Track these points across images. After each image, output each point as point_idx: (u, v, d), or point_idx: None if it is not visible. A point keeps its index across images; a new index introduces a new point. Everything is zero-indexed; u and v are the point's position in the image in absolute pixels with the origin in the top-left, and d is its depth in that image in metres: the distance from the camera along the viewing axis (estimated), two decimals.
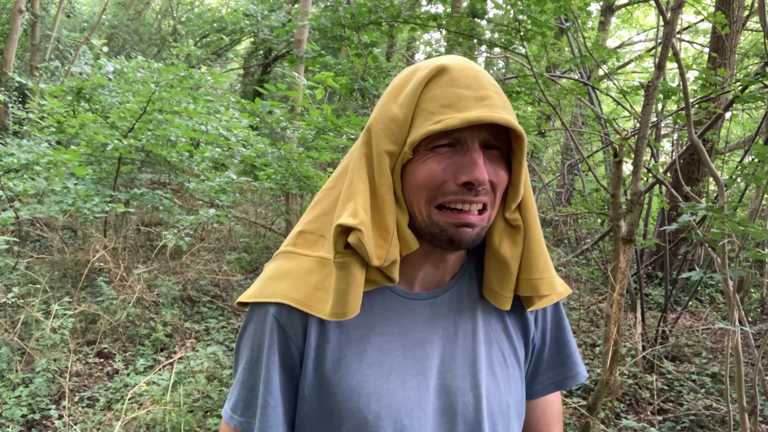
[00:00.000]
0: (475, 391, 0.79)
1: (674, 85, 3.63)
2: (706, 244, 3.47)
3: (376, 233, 0.72)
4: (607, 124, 4.26)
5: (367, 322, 0.78)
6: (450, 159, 0.72)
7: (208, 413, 3.14)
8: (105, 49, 6.20)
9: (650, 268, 6.84)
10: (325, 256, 0.77)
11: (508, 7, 3.56)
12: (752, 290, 6.51)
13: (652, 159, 4.73)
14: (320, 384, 0.76)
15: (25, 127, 8.43)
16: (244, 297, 0.80)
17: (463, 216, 0.73)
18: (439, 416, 0.77)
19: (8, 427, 2.92)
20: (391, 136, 0.73)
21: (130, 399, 3.10)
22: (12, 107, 9.81)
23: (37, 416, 3.08)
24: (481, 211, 0.74)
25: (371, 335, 0.77)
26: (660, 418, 3.58)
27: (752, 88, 3.36)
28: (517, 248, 0.80)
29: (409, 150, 0.72)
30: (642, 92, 3.40)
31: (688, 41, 10.13)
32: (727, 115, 6.67)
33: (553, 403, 0.96)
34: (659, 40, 4.08)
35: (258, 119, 5.52)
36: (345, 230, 0.70)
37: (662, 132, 6.40)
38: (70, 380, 3.43)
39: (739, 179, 4.01)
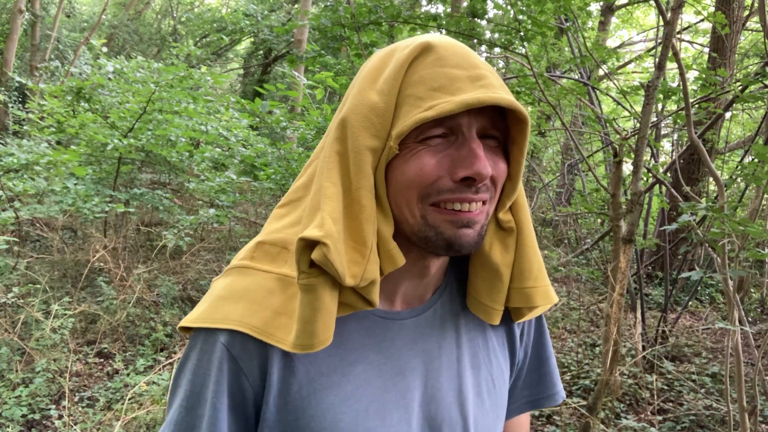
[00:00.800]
0: (464, 423, 0.70)
1: (674, 85, 3.63)
2: (706, 244, 3.47)
3: (350, 247, 0.60)
4: (607, 124, 4.26)
5: (340, 349, 0.65)
6: (444, 151, 0.61)
7: None
8: (104, 49, 6.20)
9: (650, 268, 6.85)
10: (289, 274, 0.64)
11: (508, 7, 3.56)
12: (752, 290, 6.51)
13: (652, 159, 4.73)
14: (286, 423, 0.63)
15: (25, 127, 8.44)
16: (188, 321, 0.65)
17: (464, 214, 0.62)
18: None
19: (8, 427, 2.92)
20: (372, 129, 0.61)
21: (130, 399, 3.10)
22: (12, 107, 9.82)
23: (37, 416, 3.08)
24: (481, 208, 0.64)
25: (345, 365, 0.65)
26: (660, 418, 3.58)
27: (752, 88, 3.36)
28: (509, 253, 0.69)
29: (396, 144, 0.60)
30: (642, 92, 3.40)
31: (688, 41, 10.13)
32: (727, 115, 6.67)
33: (525, 423, 0.89)
34: (659, 40, 4.08)
35: (258, 119, 5.52)
36: (309, 245, 0.57)
37: (662, 132, 6.40)
38: (70, 380, 3.43)
39: (739, 179, 4.01)
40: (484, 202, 0.64)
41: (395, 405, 0.67)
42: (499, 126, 0.65)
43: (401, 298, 0.71)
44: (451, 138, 0.62)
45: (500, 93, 0.61)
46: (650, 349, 4.34)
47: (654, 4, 3.57)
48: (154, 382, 3.30)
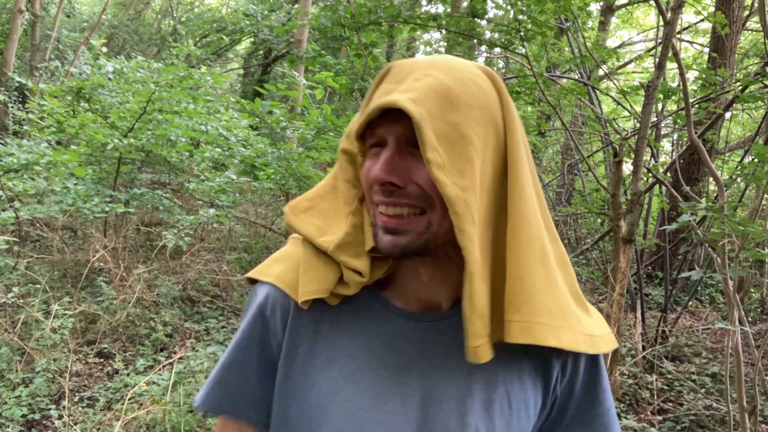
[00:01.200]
0: (460, 431, 0.69)
1: (674, 85, 3.63)
2: (706, 244, 3.47)
3: (330, 221, 0.73)
4: (607, 124, 4.26)
5: (351, 332, 0.72)
6: (376, 159, 0.67)
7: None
8: (104, 49, 6.20)
9: (650, 268, 6.85)
10: (323, 246, 0.73)
11: (508, 7, 3.56)
12: (752, 290, 6.51)
13: (652, 159, 4.73)
14: (292, 383, 0.72)
15: (25, 127, 8.44)
16: (251, 273, 0.80)
17: (387, 220, 0.66)
18: None
19: (8, 427, 2.92)
20: (347, 134, 0.75)
21: (130, 399, 3.10)
22: (12, 107, 9.82)
23: (37, 416, 3.08)
24: (410, 216, 0.65)
25: (353, 347, 0.71)
26: (660, 418, 3.58)
27: (752, 88, 3.36)
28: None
29: (354, 147, 0.72)
30: (642, 92, 3.40)
31: (688, 41, 10.13)
32: (727, 115, 6.67)
33: None
34: (659, 40, 4.08)
35: (258, 119, 5.52)
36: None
37: (662, 132, 6.40)
38: (70, 380, 3.43)
39: (739, 179, 4.01)
40: (410, 213, 0.65)
41: (391, 395, 0.69)
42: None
43: (415, 300, 0.73)
44: (383, 146, 0.67)
45: (393, 97, 0.62)
46: (650, 349, 4.34)
47: (654, 4, 3.57)
48: (154, 382, 3.30)
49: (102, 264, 4.63)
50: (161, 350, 4.05)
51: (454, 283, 0.71)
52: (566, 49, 6.12)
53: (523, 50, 3.73)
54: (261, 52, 14.86)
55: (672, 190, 3.59)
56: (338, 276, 0.70)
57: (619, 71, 10.08)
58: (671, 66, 6.07)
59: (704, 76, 3.43)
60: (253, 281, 0.80)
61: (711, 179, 6.14)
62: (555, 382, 0.76)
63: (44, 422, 3.07)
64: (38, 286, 4.16)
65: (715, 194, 5.94)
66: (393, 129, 0.65)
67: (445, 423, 0.69)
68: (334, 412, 0.68)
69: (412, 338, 0.71)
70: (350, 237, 0.70)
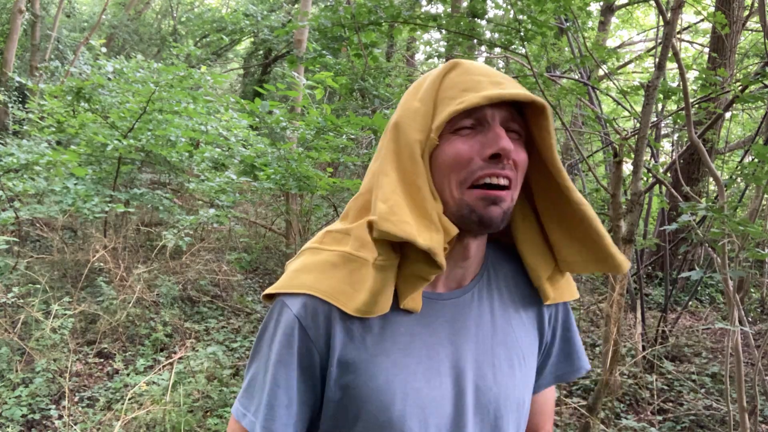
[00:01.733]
0: (496, 390, 0.80)
1: (674, 85, 3.63)
2: (706, 244, 3.47)
3: (417, 220, 0.72)
4: (607, 124, 4.26)
5: (392, 322, 0.77)
6: (474, 138, 0.74)
7: (208, 413, 3.14)
8: (104, 49, 6.20)
9: (650, 268, 6.85)
10: (351, 252, 0.76)
11: (508, 7, 3.56)
12: (752, 290, 6.51)
13: (652, 159, 4.73)
14: (347, 382, 0.75)
15: (25, 127, 8.44)
16: (270, 289, 0.79)
17: (492, 192, 0.74)
18: (461, 415, 0.78)
19: (8, 427, 2.92)
20: (417, 126, 0.75)
21: (130, 399, 3.10)
22: (12, 107, 9.81)
23: (37, 416, 3.08)
24: (505, 188, 0.75)
25: (396, 335, 0.77)
26: (660, 418, 3.58)
27: (752, 88, 3.36)
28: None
29: (436, 135, 0.74)
30: (642, 92, 3.40)
31: (688, 41, 10.13)
32: (727, 115, 6.67)
33: (550, 398, 0.99)
34: (659, 40, 4.08)
35: (258, 119, 5.52)
36: (379, 229, 0.71)
37: (662, 132, 6.40)
38: (70, 380, 3.43)
39: (739, 179, 4.01)
40: (509, 185, 0.75)
41: (437, 371, 0.77)
42: (519, 122, 0.77)
43: (443, 281, 0.82)
44: (478, 128, 0.75)
45: (518, 91, 0.74)
46: (650, 349, 4.34)
47: (654, 4, 3.57)
48: (154, 382, 3.30)
49: (102, 264, 4.63)
50: (161, 350, 4.05)
51: (481, 259, 0.85)
52: (566, 49, 6.12)
53: (523, 50, 3.73)
54: (261, 52, 14.85)
55: (672, 190, 3.59)
56: (393, 283, 0.74)
57: (619, 71, 10.07)
58: (671, 66, 6.07)
59: (704, 76, 3.43)
60: (270, 297, 0.80)
61: (711, 179, 6.14)
62: (545, 329, 0.90)
63: (44, 422, 3.07)
64: (38, 286, 4.16)
65: (715, 194, 5.94)
66: (499, 113, 0.75)
67: (483, 385, 0.80)
68: (393, 398, 0.74)
69: (443, 317, 0.80)
70: (439, 234, 0.73)
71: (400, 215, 0.71)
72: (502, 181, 0.74)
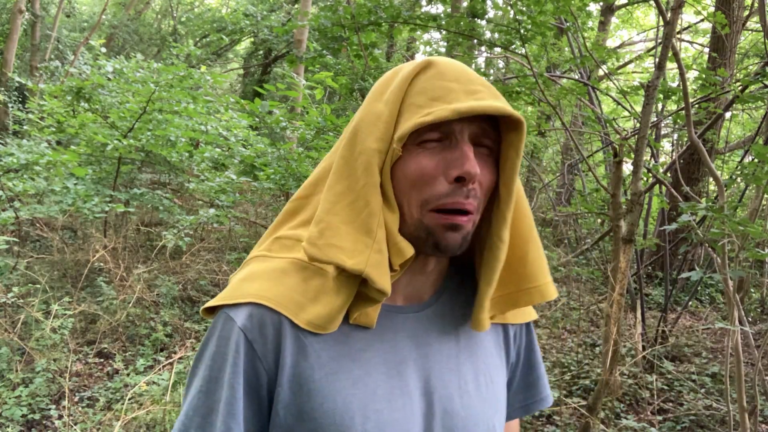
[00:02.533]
0: (464, 414, 0.74)
1: (674, 85, 3.63)
2: (706, 244, 3.47)
3: (353, 238, 0.66)
4: (607, 124, 4.26)
5: (348, 337, 0.70)
6: (440, 154, 0.68)
7: None
8: (104, 49, 6.20)
9: (650, 268, 6.85)
10: (303, 258, 0.70)
11: (508, 7, 3.57)
12: (752, 290, 6.51)
13: (652, 159, 4.73)
14: (299, 404, 0.67)
15: (25, 127, 8.44)
16: (210, 302, 0.70)
17: (453, 218, 0.68)
18: None
19: (8, 427, 2.92)
20: (377, 133, 0.68)
21: (130, 399, 3.10)
22: (12, 107, 9.81)
23: (37, 416, 3.08)
24: (467, 213, 0.69)
25: (354, 351, 0.70)
26: (660, 418, 3.59)
27: (752, 88, 3.36)
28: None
29: (398, 145, 0.67)
30: (642, 92, 3.40)
31: (688, 41, 10.13)
32: (727, 115, 6.67)
33: (515, 428, 0.95)
34: (659, 40, 4.08)
35: (258, 119, 5.52)
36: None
37: (662, 132, 6.40)
38: (70, 380, 3.43)
39: (739, 179, 4.01)
40: (472, 212, 0.69)
41: (400, 391, 0.71)
42: (491, 137, 0.71)
43: (402, 294, 0.76)
44: (445, 142, 0.68)
45: (492, 102, 0.67)
46: (650, 349, 4.34)
47: (654, 4, 3.57)
48: (154, 382, 3.30)
49: (102, 264, 4.64)
50: (161, 350, 4.05)
51: (442, 273, 0.79)
52: (566, 49, 6.12)
53: (523, 50, 3.73)
54: (261, 52, 14.86)
55: (672, 190, 3.59)
56: (349, 298, 0.68)
57: (619, 71, 10.08)
58: (671, 66, 6.07)
59: (704, 76, 3.43)
60: (211, 310, 0.72)
61: (711, 179, 6.14)
62: (511, 348, 0.85)
63: (44, 422, 3.07)
64: (38, 286, 4.16)
65: (715, 194, 5.94)
66: (469, 127, 0.68)
67: (450, 407, 0.73)
68: (352, 421, 0.67)
69: (404, 331, 0.74)
70: (381, 254, 0.66)
71: (328, 238, 0.66)
72: (469, 206, 0.69)
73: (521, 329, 0.87)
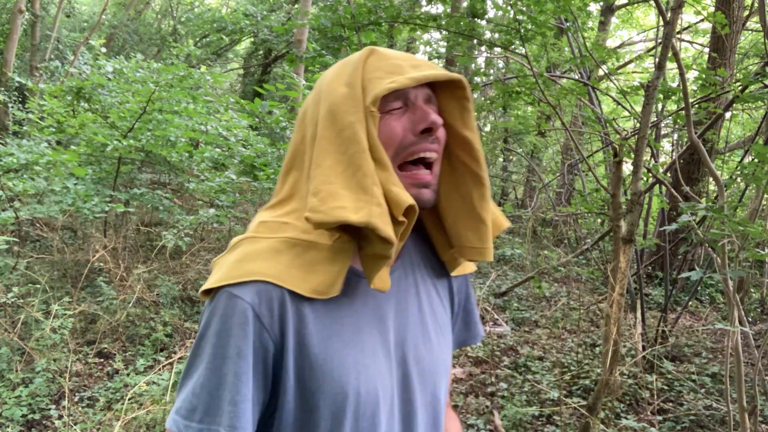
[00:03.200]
0: (430, 359, 0.86)
1: (674, 85, 3.63)
2: (706, 244, 3.47)
3: (352, 198, 0.72)
4: (607, 124, 4.26)
5: (335, 303, 0.78)
6: (405, 116, 0.79)
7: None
8: (103, 50, 6.20)
9: (650, 268, 6.85)
10: (293, 237, 0.76)
11: (508, 7, 3.57)
12: (752, 290, 6.51)
13: (652, 159, 4.73)
14: (302, 367, 0.74)
15: (25, 127, 8.44)
16: (211, 283, 0.73)
17: (421, 176, 0.79)
18: (400, 384, 0.83)
19: (8, 427, 2.92)
20: (351, 108, 0.77)
21: (130, 399, 3.10)
22: (12, 107, 9.81)
23: (37, 416, 3.08)
24: (430, 167, 0.81)
25: (341, 315, 0.78)
26: (660, 418, 3.58)
27: (752, 88, 3.36)
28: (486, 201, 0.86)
29: (376, 108, 0.76)
30: (642, 92, 3.40)
31: (688, 41, 10.13)
32: (727, 115, 6.67)
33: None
34: (659, 40, 4.08)
35: (257, 119, 5.52)
36: (317, 220, 0.71)
37: (662, 132, 6.40)
38: (70, 380, 3.43)
39: (739, 179, 4.01)
40: (435, 160, 0.81)
41: (381, 345, 0.81)
42: (435, 102, 0.84)
43: None
44: (405, 108, 0.80)
45: (438, 71, 0.80)
46: (650, 349, 4.34)
47: (654, 4, 3.57)
48: (154, 382, 3.30)
49: (102, 264, 4.64)
50: (161, 350, 4.05)
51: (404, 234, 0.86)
52: (566, 49, 6.12)
53: (523, 50, 3.73)
54: (261, 52, 14.86)
55: (672, 190, 3.59)
56: (346, 263, 0.75)
57: (619, 71, 10.08)
58: (671, 66, 6.07)
59: (704, 76, 3.43)
60: (208, 292, 0.75)
61: (711, 179, 6.14)
62: (455, 299, 0.99)
63: (44, 422, 3.07)
64: (38, 286, 4.16)
65: (715, 194, 5.94)
66: (422, 92, 0.81)
67: (418, 354, 0.85)
68: (348, 377, 0.75)
69: (379, 295, 0.83)
70: (381, 207, 0.72)
71: (330, 202, 0.71)
72: (433, 155, 0.80)
73: (460, 282, 1.00)
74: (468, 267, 0.96)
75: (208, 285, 0.74)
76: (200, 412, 0.70)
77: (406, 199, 0.74)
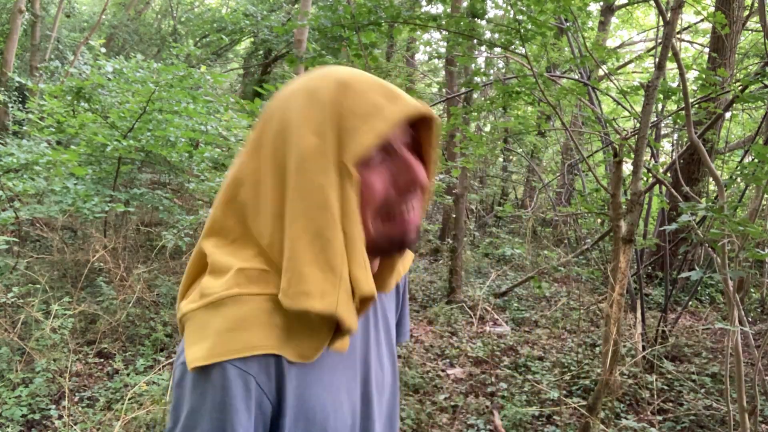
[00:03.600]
0: (382, 372, 0.88)
1: (674, 85, 3.63)
2: (706, 244, 3.47)
3: (320, 279, 0.68)
4: (607, 124, 4.26)
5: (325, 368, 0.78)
6: (384, 167, 0.73)
7: None
8: (103, 50, 6.20)
9: (650, 268, 6.85)
10: (273, 292, 0.71)
11: (508, 7, 3.56)
12: (752, 290, 6.51)
13: (652, 159, 4.73)
14: (297, 419, 0.73)
15: (25, 127, 8.43)
16: (204, 358, 0.66)
17: (409, 222, 0.75)
18: (362, 401, 0.84)
19: (8, 427, 2.92)
20: (319, 166, 0.69)
21: (130, 399, 3.10)
22: (12, 107, 9.81)
23: (37, 416, 3.08)
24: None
25: (322, 361, 0.76)
26: (660, 418, 3.59)
27: (752, 88, 3.36)
28: None
29: (355, 170, 0.69)
30: (642, 92, 3.40)
31: (688, 41, 10.13)
32: (727, 115, 6.67)
33: None
34: (659, 40, 4.08)
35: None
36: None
37: (662, 132, 6.40)
38: (70, 380, 3.43)
39: (739, 179, 4.01)
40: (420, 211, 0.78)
41: (352, 378, 0.81)
42: (410, 133, 0.77)
43: None
44: (384, 157, 0.73)
45: (416, 105, 0.73)
46: (650, 349, 4.34)
47: (654, 4, 3.57)
48: (154, 382, 3.30)
49: (102, 264, 4.64)
50: (161, 350, 4.05)
51: None
52: (566, 49, 6.12)
53: (523, 50, 3.73)
54: (261, 52, 14.85)
55: (672, 190, 3.58)
56: (331, 331, 0.73)
57: (619, 71, 10.07)
58: (671, 66, 6.07)
59: (704, 76, 3.43)
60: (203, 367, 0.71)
61: (711, 179, 6.14)
62: (399, 299, 1.00)
63: (44, 422, 3.07)
64: (38, 286, 4.16)
65: (715, 194, 5.94)
66: (401, 134, 0.74)
67: (376, 376, 0.87)
68: (328, 418, 0.76)
69: (357, 331, 0.83)
70: (347, 294, 0.70)
71: (295, 285, 0.67)
72: (416, 210, 0.76)
73: (403, 280, 1.02)
74: (407, 262, 0.94)
75: (204, 361, 0.66)
76: None
77: (368, 289, 0.71)
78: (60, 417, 3.07)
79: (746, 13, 6.19)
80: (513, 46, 3.86)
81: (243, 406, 0.66)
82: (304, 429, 0.73)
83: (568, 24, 4.29)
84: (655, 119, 4.88)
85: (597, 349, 4.66)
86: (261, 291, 0.70)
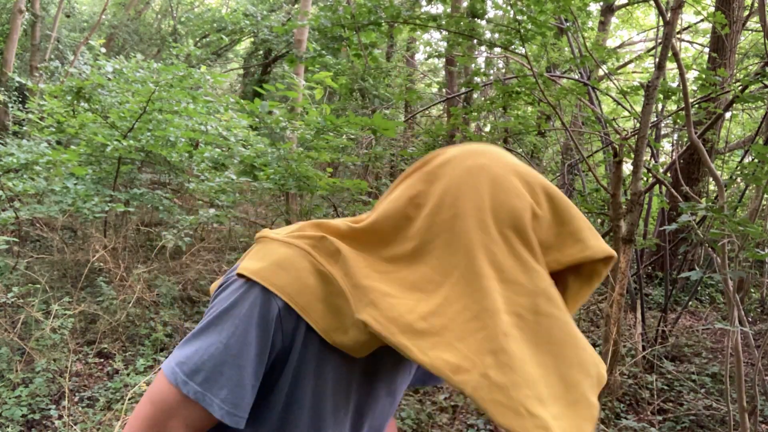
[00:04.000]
0: (374, 404, 0.89)
1: (674, 85, 3.63)
2: (706, 244, 3.47)
3: (461, 348, 0.69)
4: (607, 124, 4.26)
5: (327, 357, 0.80)
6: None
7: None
8: (103, 50, 6.20)
9: (650, 268, 6.85)
10: (334, 274, 0.76)
11: (508, 7, 3.57)
12: (752, 290, 6.51)
13: (652, 159, 4.73)
14: (293, 390, 0.78)
15: (25, 127, 8.44)
16: (251, 272, 0.75)
17: None
18: (354, 411, 0.86)
19: (8, 427, 2.92)
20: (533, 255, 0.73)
21: (130, 399, 3.10)
22: (12, 107, 9.81)
23: (37, 416, 3.08)
24: None
25: (326, 371, 0.80)
26: (660, 418, 3.58)
27: (752, 88, 3.37)
28: None
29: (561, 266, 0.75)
30: (642, 92, 3.40)
31: (688, 41, 10.13)
32: (727, 115, 6.67)
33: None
34: (659, 40, 4.08)
35: (257, 119, 5.52)
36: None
37: (662, 132, 6.40)
38: (70, 380, 3.43)
39: (739, 179, 4.01)
40: None
41: (344, 408, 0.84)
42: None
43: None
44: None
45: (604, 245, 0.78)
46: (650, 349, 4.34)
47: (654, 4, 3.57)
48: None
49: (102, 264, 4.63)
50: (161, 350, 4.05)
51: None
52: (566, 49, 6.12)
53: (523, 50, 3.73)
54: (261, 52, 14.85)
55: (672, 190, 3.59)
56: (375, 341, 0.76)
57: (619, 71, 10.07)
58: (671, 66, 6.07)
59: (704, 76, 3.43)
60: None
61: (711, 179, 6.14)
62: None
63: (44, 422, 3.07)
64: (38, 286, 4.16)
65: (715, 194, 5.94)
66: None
67: (373, 407, 0.89)
68: (312, 424, 0.81)
69: (356, 364, 0.84)
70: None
71: (435, 350, 0.69)
72: None
73: None
74: None
75: (249, 273, 0.75)
76: (202, 377, 0.73)
77: None
78: (60, 417, 3.07)
79: (746, 13, 6.19)
80: (513, 46, 3.87)
81: (263, 324, 0.74)
82: (294, 411, 0.79)
83: (568, 24, 4.29)
84: (655, 119, 4.88)
85: (597, 349, 4.66)
86: (323, 264, 0.76)
